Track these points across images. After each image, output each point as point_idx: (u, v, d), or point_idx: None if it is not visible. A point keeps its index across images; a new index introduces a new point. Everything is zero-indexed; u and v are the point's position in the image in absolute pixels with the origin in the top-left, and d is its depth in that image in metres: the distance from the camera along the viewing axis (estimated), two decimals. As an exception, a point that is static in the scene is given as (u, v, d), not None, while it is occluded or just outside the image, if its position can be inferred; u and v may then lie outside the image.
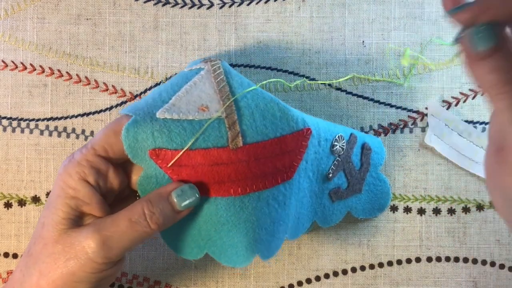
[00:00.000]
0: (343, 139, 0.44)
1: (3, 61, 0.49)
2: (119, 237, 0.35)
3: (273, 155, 0.38)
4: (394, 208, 0.49)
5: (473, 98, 0.49)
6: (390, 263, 0.49)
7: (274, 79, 0.44)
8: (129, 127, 0.36)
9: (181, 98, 0.38)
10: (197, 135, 0.37)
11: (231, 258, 0.39)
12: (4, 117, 0.49)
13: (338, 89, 0.49)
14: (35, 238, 0.37)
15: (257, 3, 0.49)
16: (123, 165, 0.39)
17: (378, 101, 0.49)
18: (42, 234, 0.37)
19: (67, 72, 0.49)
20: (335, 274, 0.49)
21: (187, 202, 0.37)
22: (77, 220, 0.36)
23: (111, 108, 0.49)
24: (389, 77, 0.49)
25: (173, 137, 0.37)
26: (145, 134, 0.37)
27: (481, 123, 0.49)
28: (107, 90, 0.49)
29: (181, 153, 0.37)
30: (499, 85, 0.27)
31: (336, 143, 0.43)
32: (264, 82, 0.42)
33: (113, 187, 0.38)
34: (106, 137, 0.37)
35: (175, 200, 0.37)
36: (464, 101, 0.49)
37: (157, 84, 0.49)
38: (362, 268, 0.49)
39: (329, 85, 0.49)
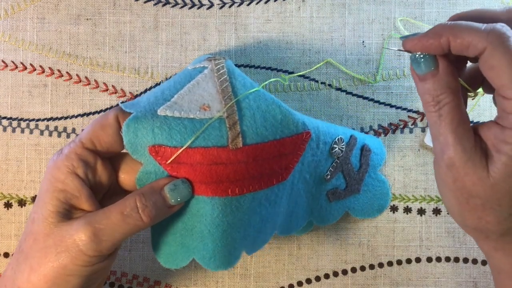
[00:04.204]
0: (343, 142, 0.44)
1: (3, 61, 0.49)
2: (111, 230, 0.35)
3: (271, 157, 0.38)
4: (394, 208, 0.49)
5: (473, 98, 0.49)
6: (390, 263, 0.49)
7: (274, 79, 0.44)
8: (130, 123, 0.37)
9: (183, 96, 0.38)
10: (197, 134, 0.37)
11: (221, 261, 0.39)
12: (4, 117, 0.49)
13: (338, 89, 0.49)
14: (26, 234, 0.37)
15: (257, 3, 0.49)
16: (112, 162, 0.39)
17: (378, 101, 0.49)
18: (33, 229, 0.37)
19: (67, 72, 0.49)
20: (335, 274, 0.49)
21: (179, 196, 0.37)
22: (66, 214, 0.36)
23: (111, 108, 0.49)
24: (386, 77, 0.49)
25: (173, 135, 0.37)
26: (145, 130, 0.37)
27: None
28: (107, 90, 0.49)
29: (180, 150, 0.37)
30: (429, 105, 0.34)
31: (335, 146, 0.43)
32: (266, 82, 0.42)
33: (101, 181, 0.38)
34: (94, 130, 0.37)
35: (167, 194, 0.37)
36: (464, 102, 0.49)
37: (157, 84, 0.49)
38: (362, 268, 0.49)
39: (329, 85, 0.49)
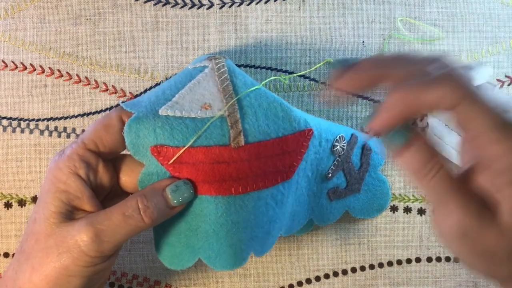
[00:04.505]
0: (344, 140, 0.44)
1: (3, 61, 0.49)
2: (112, 230, 0.35)
3: (274, 155, 0.38)
4: (394, 208, 0.49)
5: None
6: (390, 263, 0.49)
7: (274, 77, 0.44)
8: (132, 123, 0.37)
9: (184, 96, 0.38)
10: (199, 133, 0.37)
11: (227, 261, 0.39)
12: (4, 117, 0.49)
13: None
14: (27, 234, 0.37)
15: (257, 3, 0.49)
16: (113, 164, 0.39)
17: (378, 101, 0.49)
18: (34, 229, 0.37)
19: (67, 72, 0.49)
20: (335, 274, 0.49)
21: (181, 197, 0.37)
22: (68, 215, 0.36)
23: (111, 108, 0.49)
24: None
25: (175, 134, 0.37)
26: (147, 130, 0.37)
27: (481, 123, 0.49)
28: (107, 90, 0.49)
29: (182, 150, 0.37)
30: (419, 178, 0.31)
31: (337, 144, 0.43)
32: (266, 80, 0.42)
33: (103, 183, 0.38)
34: (96, 131, 0.37)
35: (169, 195, 0.37)
36: (464, 101, 0.49)
37: (157, 84, 0.49)
38: (362, 268, 0.49)
39: (329, 85, 0.49)
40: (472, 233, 0.30)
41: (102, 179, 0.38)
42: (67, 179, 0.36)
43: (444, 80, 0.29)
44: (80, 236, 0.35)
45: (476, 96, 0.29)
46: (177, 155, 0.37)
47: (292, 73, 0.49)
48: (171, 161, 0.37)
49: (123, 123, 0.37)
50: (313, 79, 0.49)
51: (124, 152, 0.39)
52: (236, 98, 0.38)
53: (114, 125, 0.37)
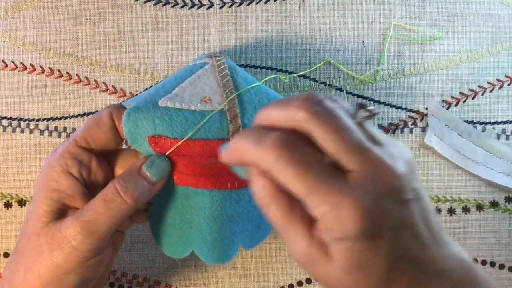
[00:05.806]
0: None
1: (3, 61, 0.49)
2: (97, 219, 0.35)
3: None
4: (394, 208, 0.49)
5: (473, 98, 0.49)
6: (390, 263, 0.49)
7: (274, 75, 0.44)
8: (131, 112, 0.37)
9: (184, 89, 0.38)
10: (199, 125, 0.37)
11: (219, 255, 0.39)
12: (4, 117, 0.49)
13: (338, 89, 0.49)
14: (21, 234, 0.37)
15: (257, 3, 0.49)
16: (107, 158, 0.39)
17: (378, 101, 0.49)
18: (27, 229, 0.37)
19: (67, 72, 0.49)
20: (335, 274, 0.49)
21: (158, 171, 0.37)
22: (60, 213, 0.36)
23: (111, 108, 0.49)
24: (386, 77, 0.49)
25: (174, 126, 0.37)
26: (146, 120, 0.37)
27: (481, 123, 0.49)
28: (107, 90, 0.49)
29: (181, 142, 0.37)
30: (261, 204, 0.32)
31: None
32: (266, 78, 0.42)
33: (97, 179, 0.38)
34: (88, 128, 0.37)
35: (146, 172, 0.37)
36: (464, 101, 0.49)
37: (157, 84, 0.49)
38: (362, 268, 0.49)
39: (329, 85, 0.49)
40: (314, 263, 0.30)
41: (96, 175, 0.38)
42: (59, 178, 0.36)
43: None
44: (68, 232, 0.35)
45: None
46: (175, 146, 0.37)
47: (292, 73, 0.49)
48: (168, 152, 0.37)
49: (113, 120, 0.37)
50: (313, 79, 0.49)
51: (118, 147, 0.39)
52: (237, 93, 0.38)
53: (105, 123, 0.37)
